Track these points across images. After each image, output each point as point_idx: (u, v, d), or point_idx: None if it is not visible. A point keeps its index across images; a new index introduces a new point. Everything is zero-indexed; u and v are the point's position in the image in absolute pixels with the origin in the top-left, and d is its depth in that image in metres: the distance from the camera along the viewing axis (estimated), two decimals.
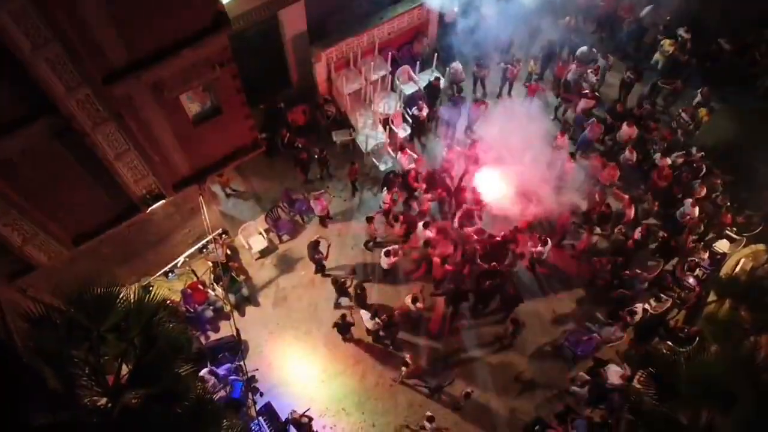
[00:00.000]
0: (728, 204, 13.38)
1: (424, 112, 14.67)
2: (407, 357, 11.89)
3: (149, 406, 6.55)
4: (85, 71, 7.58)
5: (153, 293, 8.15)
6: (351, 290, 12.81)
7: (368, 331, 12.46)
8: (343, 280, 12.71)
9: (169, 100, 8.86)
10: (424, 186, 13.66)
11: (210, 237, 12.60)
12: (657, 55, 16.09)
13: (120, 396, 6.54)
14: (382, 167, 14.78)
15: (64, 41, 7.14)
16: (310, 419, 11.29)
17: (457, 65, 15.48)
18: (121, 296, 6.84)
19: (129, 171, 9.39)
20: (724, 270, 12.79)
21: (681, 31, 15.83)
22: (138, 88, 8.34)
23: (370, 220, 13.05)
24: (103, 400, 6.52)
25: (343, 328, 12.32)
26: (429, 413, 11.18)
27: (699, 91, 15.05)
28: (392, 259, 12.65)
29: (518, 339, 12.73)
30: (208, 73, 8.99)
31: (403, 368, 11.85)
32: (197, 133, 9.89)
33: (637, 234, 13.03)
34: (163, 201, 10.58)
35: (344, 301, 13.00)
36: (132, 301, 6.90)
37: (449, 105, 15.37)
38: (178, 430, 6.60)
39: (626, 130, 14.41)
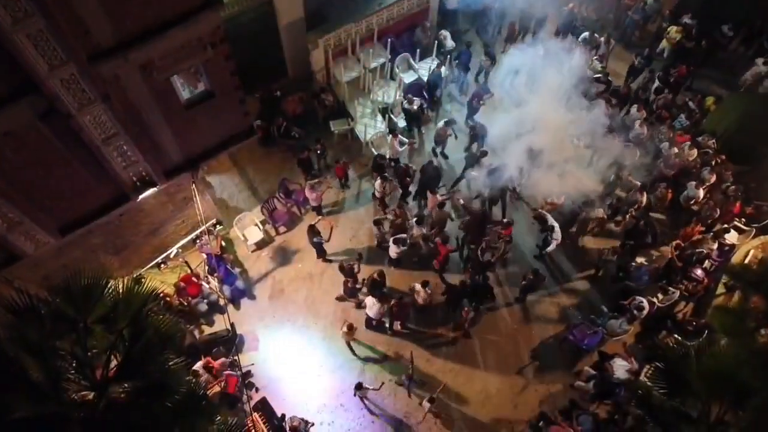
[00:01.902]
0: (740, 194, 13.06)
1: (415, 105, 14.28)
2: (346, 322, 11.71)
3: (138, 400, 6.26)
4: (69, 49, 7.20)
5: (143, 284, 7.84)
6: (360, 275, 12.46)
7: (369, 321, 12.23)
8: (350, 264, 12.33)
9: (159, 81, 8.52)
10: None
11: (204, 228, 12.27)
12: (663, 43, 15.79)
13: (107, 389, 6.23)
14: None
15: (47, 16, 6.76)
16: (309, 425, 10.98)
17: (444, 32, 15.14)
18: (109, 286, 6.54)
19: (118, 156, 9.04)
20: (734, 261, 12.49)
21: (686, 18, 15.52)
22: (126, 68, 7.98)
23: (377, 223, 12.76)
24: (91, 394, 6.22)
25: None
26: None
27: (656, 75, 14.91)
28: (401, 248, 12.33)
29: (530, 333, 12.63)
30: (200, 53, 8.64)
31: (344, 328, 11.66)
32: (190, 117, 9.56)
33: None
34: (155, 189, 10.25)
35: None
36: (121, 291, 6.60)
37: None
38: (168, 425, 6.32)
39: (635, 114, 14.19)
